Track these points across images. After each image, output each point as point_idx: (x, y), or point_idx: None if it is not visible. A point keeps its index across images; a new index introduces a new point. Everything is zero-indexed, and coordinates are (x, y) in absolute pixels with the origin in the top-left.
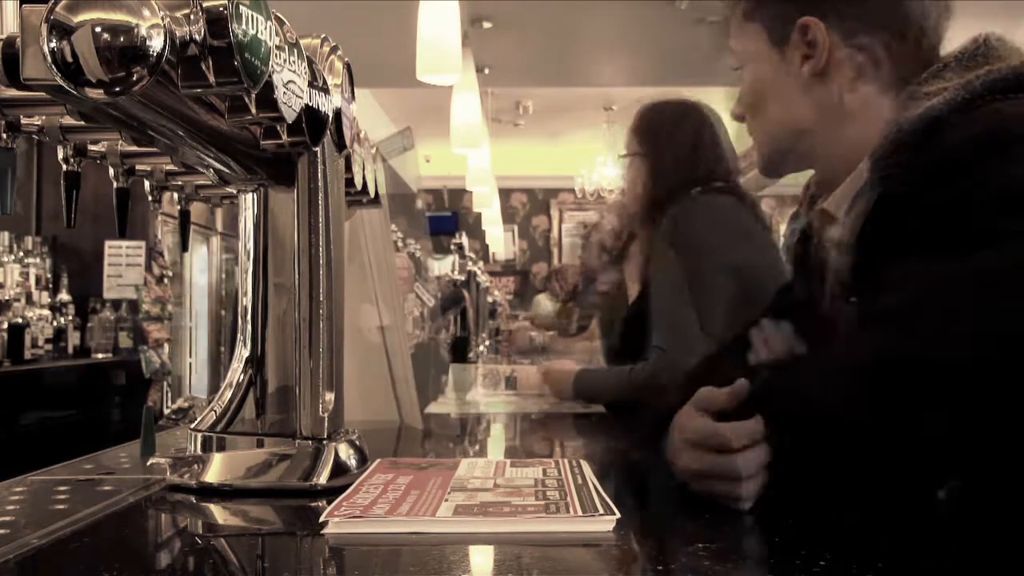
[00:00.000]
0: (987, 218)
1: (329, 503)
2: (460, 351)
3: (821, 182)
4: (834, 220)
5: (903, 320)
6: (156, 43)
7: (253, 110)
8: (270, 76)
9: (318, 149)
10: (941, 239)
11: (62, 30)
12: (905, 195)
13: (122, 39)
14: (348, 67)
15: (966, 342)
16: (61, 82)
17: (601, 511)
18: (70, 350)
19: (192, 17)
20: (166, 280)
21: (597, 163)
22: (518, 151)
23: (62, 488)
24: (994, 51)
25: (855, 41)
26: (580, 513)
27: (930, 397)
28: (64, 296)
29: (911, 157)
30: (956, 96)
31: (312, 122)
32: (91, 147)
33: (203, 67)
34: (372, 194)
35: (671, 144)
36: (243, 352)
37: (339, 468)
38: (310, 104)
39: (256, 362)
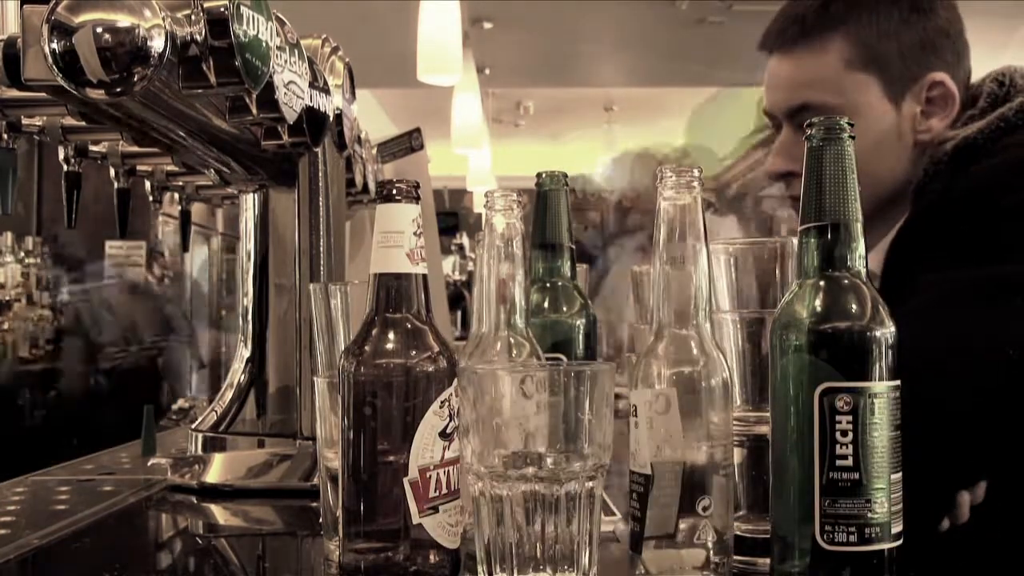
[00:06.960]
0: (1011, 234)
1: None
2: None
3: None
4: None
5: (921, 321)
6: (157, 43)
7: (254, 110)
8: (271, 77)
9: (319, 149)
10: (966, 252)
11: (63, 30)
12: (935, 213)
13: (123, 40)
14: (349, 67)
15: (982, 344)
16: (62, 82)
17: None
18: None
19: (193, 18)
20: (167, 280)
21: (598, 163)
22: (519, 151)
23: (62, 488)
24: (1021, 88)
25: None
26: None
27: (943, 397)
28: (64, 296)
29: (947, 181)
30: (991, 126)
31: (313, 122)
32: (92, 147)
33: (204, 67)
34: (373, 194)
35: None
36: (243, 352)
37: None
38: (311, 104)
39: (256, 362)
